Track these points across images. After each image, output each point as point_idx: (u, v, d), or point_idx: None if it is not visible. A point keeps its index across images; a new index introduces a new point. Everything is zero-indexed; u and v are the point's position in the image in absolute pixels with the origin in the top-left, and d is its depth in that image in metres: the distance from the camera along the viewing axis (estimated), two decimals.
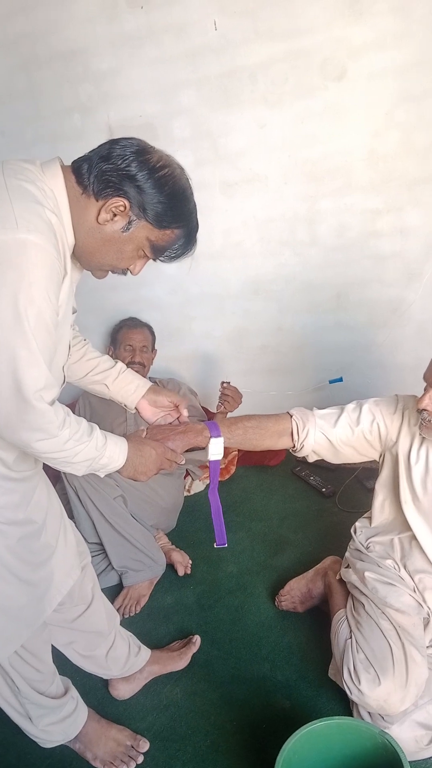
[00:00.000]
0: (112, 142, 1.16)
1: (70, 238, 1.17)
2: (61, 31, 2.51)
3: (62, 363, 1.29)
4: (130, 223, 1.16)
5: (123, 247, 1.20)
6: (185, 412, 1.58)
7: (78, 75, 2.59)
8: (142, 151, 1.15)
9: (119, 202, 1.13)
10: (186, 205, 1.21)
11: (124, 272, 1.27)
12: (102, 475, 1.33)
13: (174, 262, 1.28)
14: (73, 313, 1.33)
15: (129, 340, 2.75)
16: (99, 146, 1.17)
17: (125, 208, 1.14)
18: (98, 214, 1.15)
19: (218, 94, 2.47)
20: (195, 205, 1.24)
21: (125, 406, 1.61)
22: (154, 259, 1.26)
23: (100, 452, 1.25)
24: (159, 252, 1.23)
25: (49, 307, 1.06)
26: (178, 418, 1.60)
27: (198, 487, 2.84)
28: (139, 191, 1.13)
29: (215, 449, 1.55)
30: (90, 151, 1.17)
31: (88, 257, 1.22)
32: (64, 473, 2.07)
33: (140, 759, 1.60)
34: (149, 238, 1.19)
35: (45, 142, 2.74)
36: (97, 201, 1.14)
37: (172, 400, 1.59)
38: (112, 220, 1.15)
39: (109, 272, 1.29)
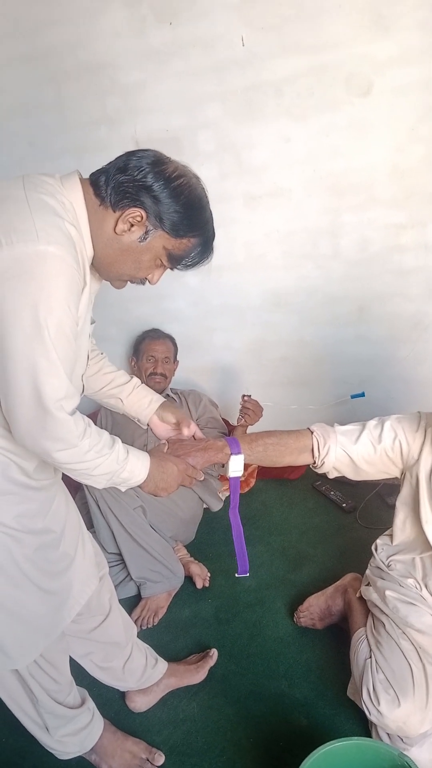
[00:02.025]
0: (129, 154, 1.18)
1: (89, 249, 1.19)
2: (90, 45, 2.55)
3: (81, 373, 1.30)
4: (147, 233, 1.18)
5: (140, 257, 1.21)
6: (186, 432, 1.58)
7: (105, 88, 2.62)
8: (157, 162, 1.17)
9: (136, 213, 1.15)
10: (202, 214, 1.22)
11: (142, 282, 1.29)
12: (123, 490, 1.35)
13: (190, 270, 1.29)
14: (92, 324, 1.34)
15: (151, 351, 2.77)
16: (116, 158, 1.19)
17: (142, 218, 1.16)
18: (115, 225, 1.17)
19: (243, 108, 2.48)
20: (211, 214, 1.26)
21: (138, 421, 1.64)
22: (172, 268, 1.28)
23: (121, 466, 1.26)
24: (176, 261, 1.25)
25: (69, 318, 1.08)
26: (193, 436, 1.61)
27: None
28: (156, 201, 1.15)
29: (235, 466, 1.54)
30: (108, 164, 1.20)
31: (106, 268, 1.24)
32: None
33: None
34: (166, 247, 1.21)
35: (71, 154, 2.77)
36: (114, 212, 1.16)
37: (177, 419, 1.60)
38: (129, 230, 1.17)
39: (128, 282, 1.31)
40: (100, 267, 1.24)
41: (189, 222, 1.19)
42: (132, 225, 1.17)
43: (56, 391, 1.08)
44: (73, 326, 1.10)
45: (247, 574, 1.60)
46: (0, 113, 2.78)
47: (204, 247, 1.26)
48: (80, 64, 2.60)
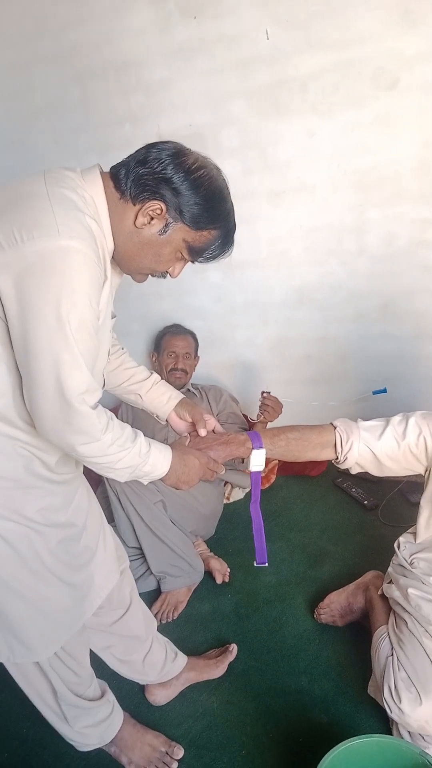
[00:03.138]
0: (149, 146, 1.18)
1: (110, 243, 1.19)
2: (115, 43, 2.56)
3: (102, 367, 1.31)
4: (167, 225, 1.18)
5: (161, 250, 1.21)
6: (202, 432, 1.57)
7: (130, 85, 2.63)
8: (178, 154, 1.16)
9: (156, 206, 1.15)
10: (222, 206, 1.21)
11: (163, 275, 1.29)
12: (145, 483, 1.35)
13: (211, 262, 1.29)
14: (113, 318, 1.34)
15: (172, 346, 2.78)
16: (136, 151, 1.19)
17: (162, 211, 1.16)
18: (135, 218, 1.17)
19: (268, 104, 2.47)
20: (232, 206, 1.24)
21: (157, 417, 1.64)
22: (192, 261, 1.27)
23: (143, 459, 1.26)
24: (197, 254, 1.24)
25: (91, 312, 1.08)
26: (213, 429, 1.60)
27: (237, 495, 2.83)
28: (176, 194, 1.15)
29: (257, 460, 1.54)
30: (128, 156, 1.19)
31: (127, 261, 1.24)
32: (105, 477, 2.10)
33: (174, 766, 1.60)
34: (186, 240, 1.20)
35: (96, 151, 2.79)
36: (134, 205, 1.16)
37: (193, 418, 1.60)
38: (149, 223, 1.17)
39: (149, 276, 1.30)
40: (120, 260, 1.24)
41: (209, 214, 1.18)
42: (152, 218, 1.16)
43: (79, 384, 1.08)
44: (94, 321, 1.10)
45: (266, 564, 1.58)
46: (26, 112, 2.81)
47: (225, 240, 1.25)
48: (105, 62, 2.62)
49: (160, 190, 1.14)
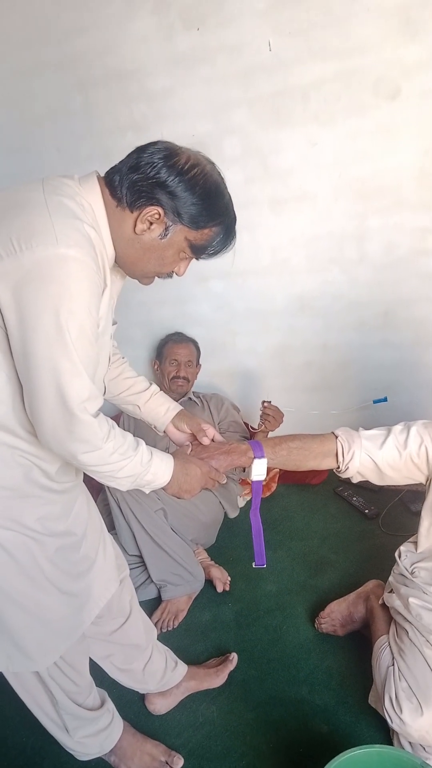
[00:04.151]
0: (140, 150, 1.17)
1: (110, 250, 1.19)
2: (118, 52, 2.57)
3: (103, 374, 1.31)
4: (167, 229, 1.17)
5: (163, 254, 1.21)
6: (205, 441, 1.57)
7: (132, 94, 2.64)
8: (170, 156, 1.15)
9: (153, 211, 1.14)
10: (220, 201, 1.20)
11: (169, 275, 1.28)
12: (147, 492, 1.34)
13: (215, 257, 1.28)
14: (113, 325, 1.33)
15: (174, 354, 2.78)
16: (127, 156, 1.18)
17: (160, 215, 1.15)
18: (135, 225, 1.16)
19: (270, 113, 2.48)
20: (230, 198, 1.23)
21: (155, 428, 1.63)
22: (197, 258, 1.27)
23: (145, 468, 1.26)
24: (200, 251, 1.24)
25: (90, 320, 1.08)
26: (212, 438, 1.60)
27: (239, 502, 2.83)
28: (172, 196, 1.14)
29: (258, 470, 1.54)
30: (120, 162, 1.19)
31: (131, 267, 1.24)
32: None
33: None
34: (188, 239, 1.20)
35: (98, 159, 2.79)
36: (132, 212, 1.16)
37: (192, 430, 1.59)
38: (149, 229, 1.17)
39: (156, 278, 1.30)
40: (124, 266, 1.24)
41: (208, 212, 1.18)
42: (151, 223, 1.16)
43: (80, 392, 1.08)
44: (94, 328, 1.10)
45: (264, 566, 1.58)
46: (29, 119, 2.82)
47: (226, 234, 1.24)
48: (108, 71, 2.63)
49: (156, 195, 1.14)
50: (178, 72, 2.53)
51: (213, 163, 1.21)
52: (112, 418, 1.24)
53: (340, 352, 2.85)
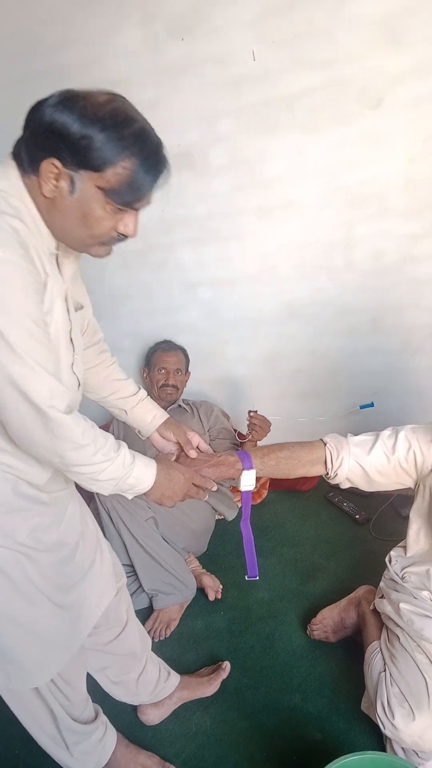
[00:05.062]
0: (37, 103, 1.05)
1: (44, 232, 1.10)
2: (104, 63, 2.58)
3: (70, 363, 1.24)
4: (72, 182, 1.04)
5: (84, 212, 1.07)
6: (192, 454, 1.54)
7: None
8: (65, 98, 1.03)
9: (49, 164, 1.02)
10: (127, 129, 1.04)
11: (120, 238, 1.14)
12: (129, 497, 1.30)
13: (149, 196, 1.12)
14: (78, 311, 1.26)
15: (163, 362, 2.78)
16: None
17: (58, 168, 1.03)
18: (41, 188, 1.05)
19: (256, 123, 2.50)
20: (144, 124, 1.08)
21: (139, 433, 1.61)
22: (132, 207, 1.10)
23: (127, 471, 1.21)
24: (122, 196, 1.07)
25: (31, 319, 1.03)
26: (198, 446, 1.59)
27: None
28: (64, 140, 1.01)
29: (247, 480, 1.54)
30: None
31: (65, 240, 1.13)
32: (96, 494, 2.09)
33: None
34: (100, 187, 1.05)
35: None
36: (36, 176, 1.05)
37: (178, 439, 1.57)
38: (56, 187, 1.04)
39: (108, 246, 1.17)
40: (62, 240, 1.13)
41: (109, 145, 1.01)
42: (57, 180, 1.04)
43: (40, 392, 1.04)
44: (39, 325, 1.05)
45: (257, 578, 1.57)
46: (14, 130, 2.82)
47: (148, 164, 1.07)
48: (95, 82, 2.59)
49: (48, 145, 1.02)
50: (164, 82, 2.55)
51: (121, 96, 1.08)
52: (103, 425, 1.22)
53: (329, 359, 2.86)
